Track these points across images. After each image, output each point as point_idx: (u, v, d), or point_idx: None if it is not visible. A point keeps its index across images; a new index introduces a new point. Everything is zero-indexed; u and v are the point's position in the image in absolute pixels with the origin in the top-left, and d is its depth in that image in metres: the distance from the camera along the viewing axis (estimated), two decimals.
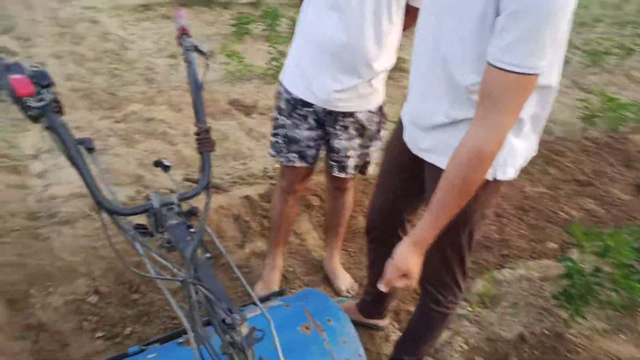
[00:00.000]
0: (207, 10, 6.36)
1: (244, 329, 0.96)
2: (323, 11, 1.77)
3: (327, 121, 1.97)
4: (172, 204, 1.17)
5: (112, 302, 2.22)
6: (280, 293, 1.68)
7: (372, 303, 2.17)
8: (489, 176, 1.38)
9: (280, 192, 2.23)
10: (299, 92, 1.93)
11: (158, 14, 5.94)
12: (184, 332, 1.19)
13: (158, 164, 1.49)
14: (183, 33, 1.41)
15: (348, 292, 2.44)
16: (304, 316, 1.42)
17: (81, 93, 3.94)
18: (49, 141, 3.07)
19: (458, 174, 1.25)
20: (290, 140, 2.01)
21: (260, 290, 2.33)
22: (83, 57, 4.59)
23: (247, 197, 2.77)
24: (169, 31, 5.48)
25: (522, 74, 1.14)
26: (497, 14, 1.15)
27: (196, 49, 1.40)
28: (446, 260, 1.61)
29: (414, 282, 1.39)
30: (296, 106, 1.95)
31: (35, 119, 1.08)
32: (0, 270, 2.19)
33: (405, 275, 1.37)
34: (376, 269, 2.07)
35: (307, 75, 1.88)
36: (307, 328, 1.40)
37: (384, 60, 1.85)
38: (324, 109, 1.92)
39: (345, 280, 2.47)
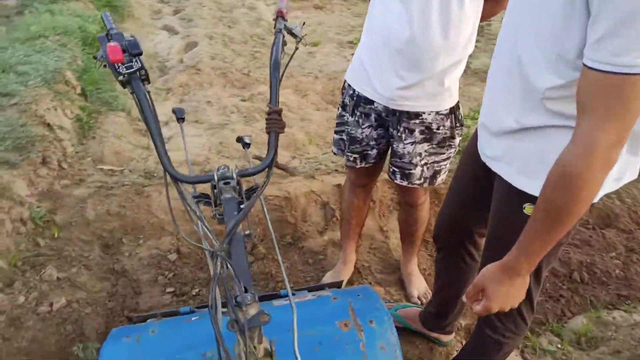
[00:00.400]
0: (359, 2, 6.41)
1: (252, 310, 0.94)
2: (389, 2, 1.65)
3: (390, 122, 1.84)
4: (230, 178, 1.20)
5: (188, 263, 2.36)
6: (336, 285, 1.63)
7: (435, 316, 2.00)
8: None
9: (349, 185, 2.16)
10: (361, 89, 1.83)
11: (311, 4, 6.14)
12: None
13: (239, 139, 1.53)
14: (279, 15, 1.43)
15: (419, 299, 2.27)
16: (346, 312, 1.38)
17: (220, 71, 4.23)
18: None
19: (546, 196, 1.07)
20: (352, 139, 1.93)
21: (327, 280, 2.28)
22: (232, 40, 4.92)
23: (338, 186, 2.73)
24: (316, 21, 5.63)
25: (617, 73, 0.91)
26: (586, 5, 0.95)
27: (289, 32, 1.43)
28: None
29: (491, 308, 1.23)
30: (359, 103, 1.86)
31: (123, 84, 1.18)
32: (103, 217, 2.45)
33: (483, 296, 1.24)
34: (442, 280, 1.91)
35: (369, 71, 1.78)
36: (345, 325, 1.35)
37: (452, 54, 1.66)
38: (387, 108, 1.80)
39: (419, 287, 2.31)
